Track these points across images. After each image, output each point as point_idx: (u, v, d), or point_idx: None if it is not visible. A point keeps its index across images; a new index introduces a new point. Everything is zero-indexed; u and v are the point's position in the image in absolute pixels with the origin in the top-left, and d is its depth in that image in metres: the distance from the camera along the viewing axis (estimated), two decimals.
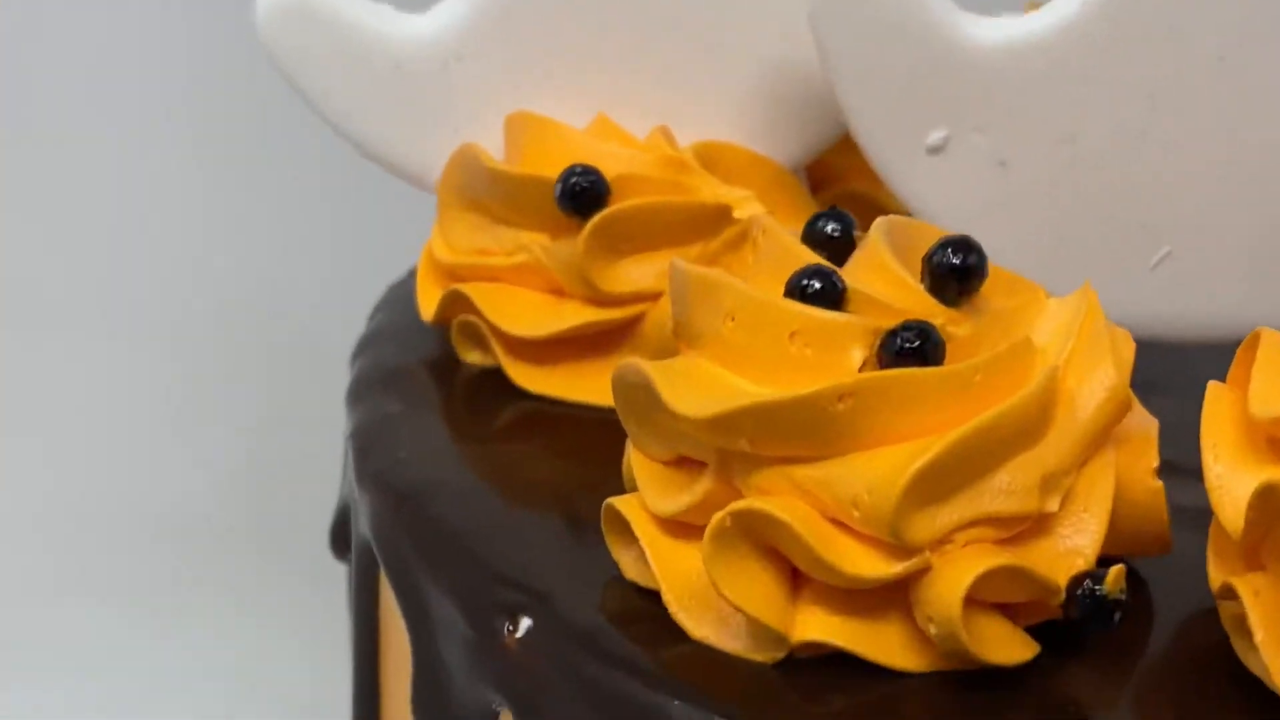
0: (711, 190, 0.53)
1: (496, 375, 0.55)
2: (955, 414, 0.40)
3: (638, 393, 0.42)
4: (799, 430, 0.40)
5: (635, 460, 0.44)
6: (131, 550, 0.87)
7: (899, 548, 0.40)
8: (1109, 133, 0.52)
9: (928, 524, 0.40)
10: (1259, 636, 0.40)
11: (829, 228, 0.45)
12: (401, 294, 0.60)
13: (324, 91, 0.57)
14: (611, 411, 0.49)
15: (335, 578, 0.64)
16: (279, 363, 0.97)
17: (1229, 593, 0.42)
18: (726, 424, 0.40)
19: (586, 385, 0.53)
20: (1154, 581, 0.46)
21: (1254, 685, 0.42)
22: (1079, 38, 0.50)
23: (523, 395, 0.54)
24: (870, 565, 0.40)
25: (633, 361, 0.42)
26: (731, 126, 0.58)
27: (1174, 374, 0.50)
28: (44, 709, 0.76)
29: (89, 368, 1.00)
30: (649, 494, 0.43)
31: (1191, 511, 0.46)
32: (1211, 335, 0.54)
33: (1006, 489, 0.41)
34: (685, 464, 0.43)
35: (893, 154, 0.52)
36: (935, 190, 0.53)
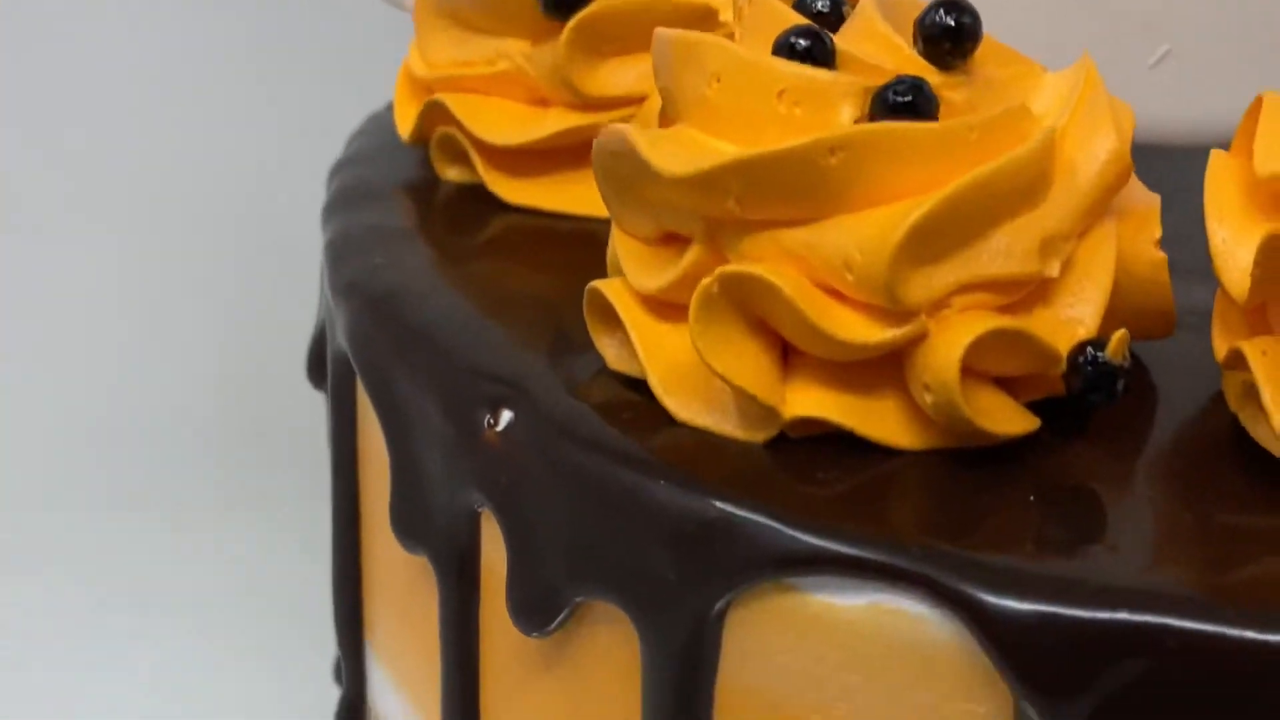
0: None
1: (477, 191, 0.54)
2: (951, 172, 0.39)
3: (620, 161, 0.40)
4: (789, 188, 0.38)
5: (619, 240, 0.42)
6: (120, 454, 0.87)
7: (894, 312, 0.39)
8: None
9: (924, 285, 0.39)
10: (1267, 396, 0.39)
11: (819, 3, 0.43)
12: (379, 123, 0.59)
13: None
14: (596, 222, 0.48)
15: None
16: (266, 247, 0.96)
17: (1236, 361, 0.40)
18: (713, 182, 0.39)
19: (570, 194, 0.52)
20: (1159, 376, 0.45)
21: (1262, 465, 0.41)
22: None
23: (504, 209, 0.53)
24: (864, 331, 0.39)
25: (614, 126, 0.40)
26: None
27: (1175, 182, 0.49)
28: (38, 612, 0.75)
29: (75, 267, 0.99)
30: (633, 271, 0.41)
31: (1194, 312, 0.44)
32: (1211, 139, 0.52)
33: (1005, 250, 0.39)
34: (671, 241, 0.42)
35: None
36: None
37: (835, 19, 0.43)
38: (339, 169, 0.56)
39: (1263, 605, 0.37)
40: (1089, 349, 0.40)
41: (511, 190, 0.53)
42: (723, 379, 0.39)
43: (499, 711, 0.47)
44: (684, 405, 0.41)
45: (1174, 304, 0.43)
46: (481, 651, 0.47)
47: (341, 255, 0.51)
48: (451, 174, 0.55)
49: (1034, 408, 0.41)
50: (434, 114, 0.53)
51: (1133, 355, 0.41)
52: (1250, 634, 0.36)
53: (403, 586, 0.50)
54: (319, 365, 0.55)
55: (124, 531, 0.80)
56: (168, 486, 0.84)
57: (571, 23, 0.50)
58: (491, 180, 0.53)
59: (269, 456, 0.85)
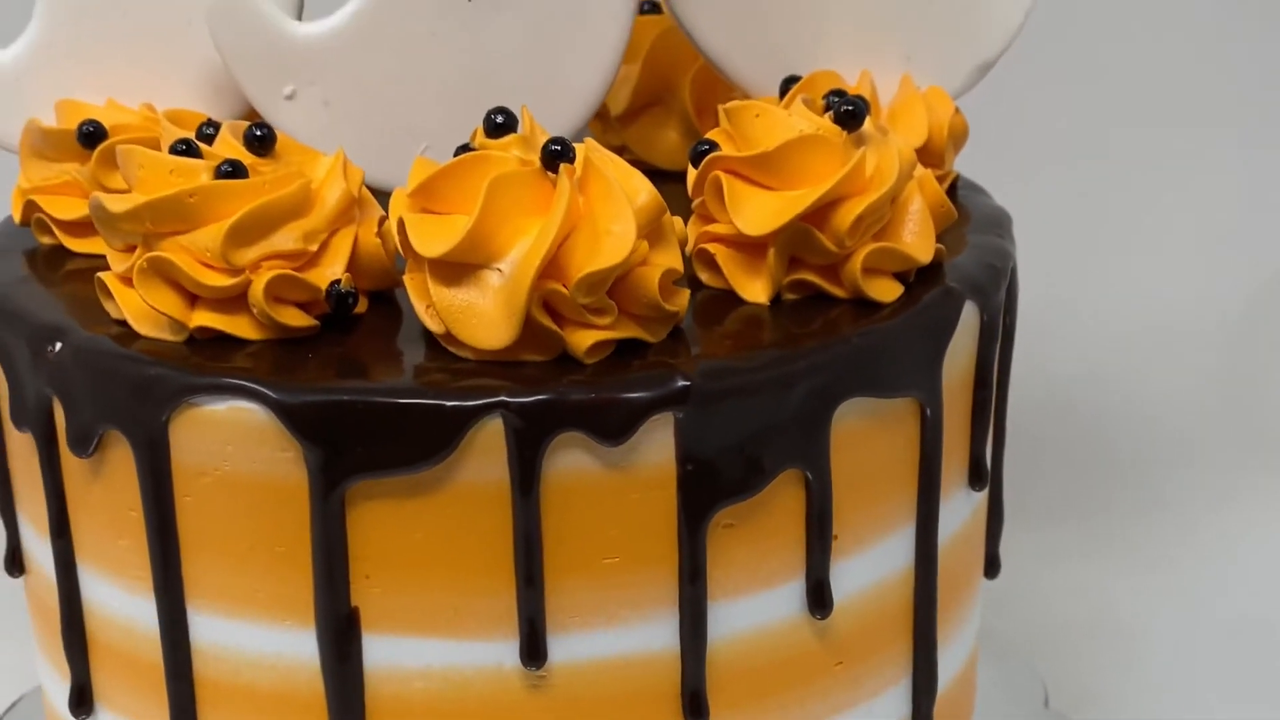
0: (161, 129, 0.88)
1: (58, 247, 0.83)
2: (245, 204, 0.75)
3: (98, 209, 0.78)
4: (168, 215, 0.73)
5: (108, 252, 0.79)
6: None
7: (231, 270, 0.75)
8: (381, 78, 0.80)
9: (243, 256, 0.78)
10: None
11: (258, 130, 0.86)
12: (6, 224, 0.88)
13: None
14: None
15: None
16: None
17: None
18: (132, 216, 0.73)
19: (99, 244, 0.85)
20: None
21: None
22: (351, 27, 0.80)
23: (71, 254, 0.82)
24: (215, 278, 0.76)
25: (94, 195, 0.74)
26: (197, 99, 0.89)
27: None
28: None
29: None
30: (112, 263, 0.81)
31: None
32: None
33: (285, 238, 0.77)
34: (128, 250, 0.75)
35: (265, 102, 0.81)
36: (295, 123, 0.81)
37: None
38: None
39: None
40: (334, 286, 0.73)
41: (76, 245, 0.83)
42: (152, 308, 0.79)
43: (80, 524, 0.76)
44: (138, 321, 0.75)
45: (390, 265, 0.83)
46: (64, 476, 0.75)
47: None
48: (45, 240, 0.83)
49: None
50: (31, 206, 0.83)
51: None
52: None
53: (26, 460, 0.76)
54: None
55: None
56: None
57: (95, 152, 0.80)
58: (65, 240, 0.82)
59: None
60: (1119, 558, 1.07)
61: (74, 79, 0.85)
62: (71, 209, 0.82)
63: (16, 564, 0.83)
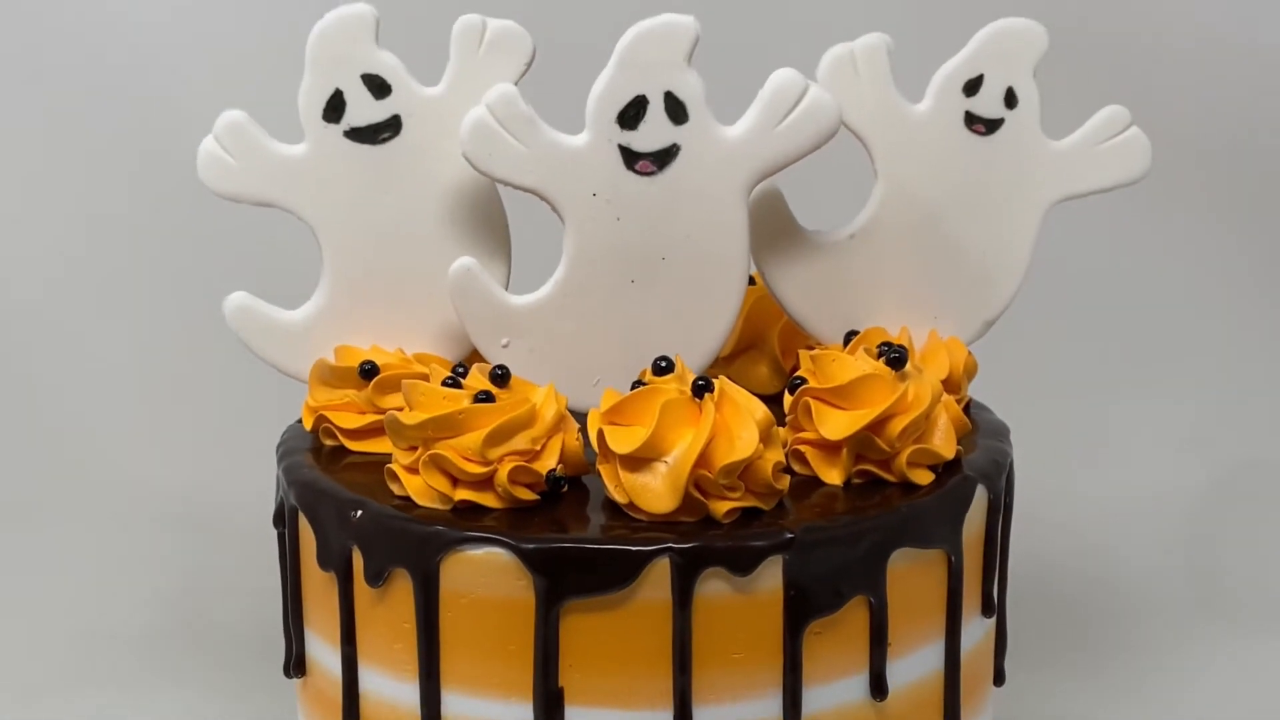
0: (421, 367, 1.07)
1: (339, 448, 1.00)
2: (493, 420, 1.00)
3: (392, 422, 0.98)
4: (447, 426, 0.94)
5: (395, 451, 0.99)
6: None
7: (486, 462, 0.93)
8: (569, 334, 0.98)
9: (494, 453, 0.95)
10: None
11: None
12: (296, 428, 1.08)
13: (269, 350, 1.09)
14: (388, 456, 0.93)
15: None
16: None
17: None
18: (422, 425, 0.93)
19: (379, 445, 0.98)
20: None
21: None
22: (549, 299, 1.00)
23: (350, 453, 1.00)
24: (473, 468, 0.90)
25: (390, 414, 0.90)
26: (436, 346, 1.09)
27: None
28: None
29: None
30: (397, 457, 1.01)
31: None
32: None
33: (519, 442, 0.96)
34: (413, 449, 0.95)
35: (487, 348, 0.99)
36: (508, 364, 0.95)
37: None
38: (282, 443, 1.01)
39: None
40: (549, 473, 0.96)
41: (352, 445, 1.00)
42: (430, 487, 0.96)
43: (363, 634, 0.93)
44: (418, 496, 0.97)
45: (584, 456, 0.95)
46: (356, 607, 0.92)
47: (288, 469, 0.96)
48: (328, 442, 0.99)
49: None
50: (319, 418, 0.99)
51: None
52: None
53: (322, 591, 0.93)
54: (279, 516, 0.99)
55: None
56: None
57: (372, 382, 0.98)
58: (346, 443, 1.00)
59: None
60: (1100, 689, 1.23)
61: (348, 331, 1.03)
62: (351, 421, 1.00)
63: (300, 668, 1.00)
